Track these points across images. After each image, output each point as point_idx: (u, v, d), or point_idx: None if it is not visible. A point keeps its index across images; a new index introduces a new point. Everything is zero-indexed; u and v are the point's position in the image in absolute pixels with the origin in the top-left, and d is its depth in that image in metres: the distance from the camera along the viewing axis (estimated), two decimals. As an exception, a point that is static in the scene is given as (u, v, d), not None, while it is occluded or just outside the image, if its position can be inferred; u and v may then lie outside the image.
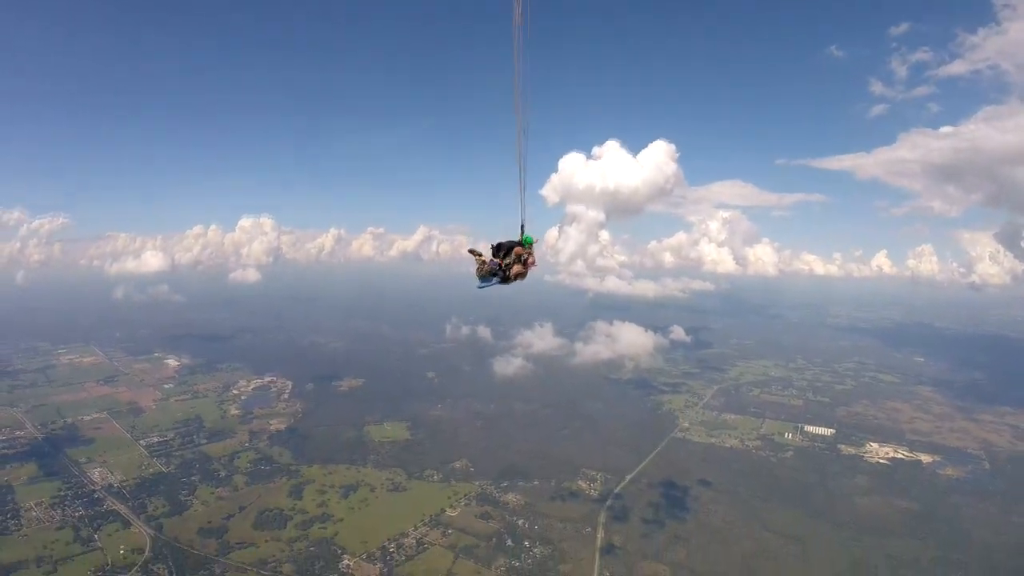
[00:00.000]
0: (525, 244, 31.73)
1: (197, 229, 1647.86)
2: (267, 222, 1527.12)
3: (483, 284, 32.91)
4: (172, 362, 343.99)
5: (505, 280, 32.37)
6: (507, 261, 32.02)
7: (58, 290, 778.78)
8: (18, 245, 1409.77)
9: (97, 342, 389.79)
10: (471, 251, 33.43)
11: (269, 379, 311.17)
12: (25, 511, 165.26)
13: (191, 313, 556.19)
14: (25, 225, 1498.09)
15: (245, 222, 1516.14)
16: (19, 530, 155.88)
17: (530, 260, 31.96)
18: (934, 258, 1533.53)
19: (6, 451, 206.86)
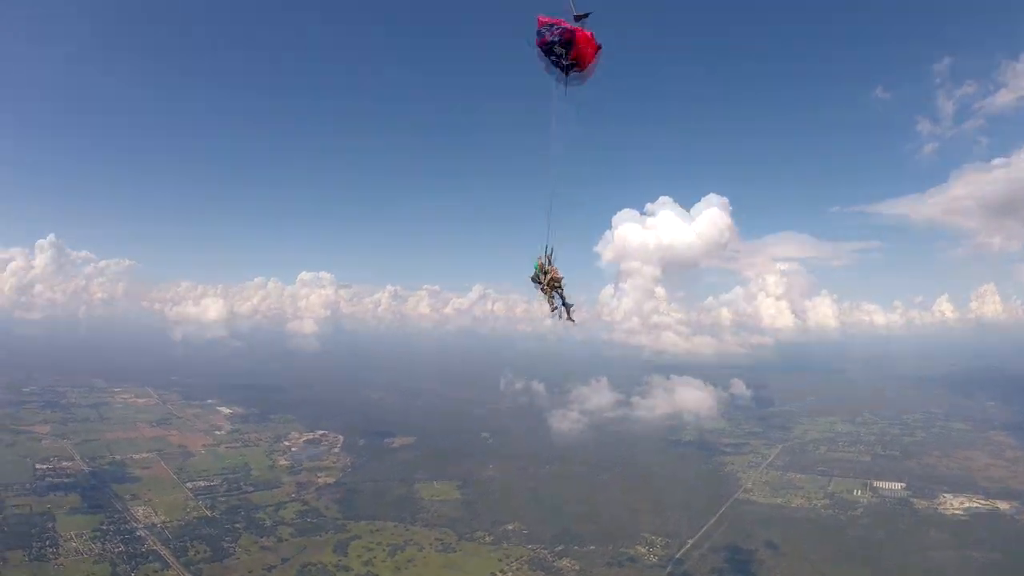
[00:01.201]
0: (536, 268, 40.20)
1: (257, 281, 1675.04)
2: (326, 276, 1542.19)
3: (556, 310, 40.59)
4: (225, 410, 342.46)
5: (554, 288, 40.06)
6: (545, 281, 39.88)
7: (118, 329, 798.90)
8: (83, 283, 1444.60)
9: (153, 384, 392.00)
10: (553, 308, 40.69)
11: (320, 433, 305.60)
12: (64, 541, 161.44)
13: (247, 362, 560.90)
14: (92, 264, 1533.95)
15: (305, 276, 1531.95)
16: (56, 559, 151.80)
17: (549, 269, 39.82)
18: (997, 297, 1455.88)
19: (52, 479, 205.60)
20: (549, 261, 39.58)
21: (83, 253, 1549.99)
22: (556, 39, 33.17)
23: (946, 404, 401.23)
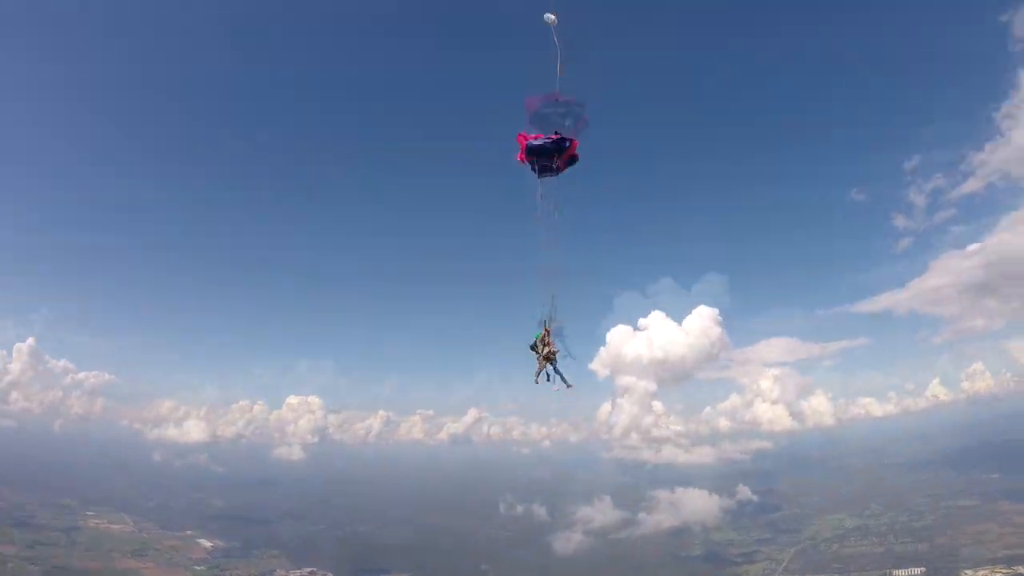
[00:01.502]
0: (536, 338, 46.16)
1: (243, 403, 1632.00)
2: (314, 401, 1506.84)
3: (550, 380, 46.12)
4: (205, 543, 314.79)
5: (549, 360, 45.67)
6: (542, 353, 45.60)
7: (94, 447, 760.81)
8: (60, 394, 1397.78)
9: (128, 509, 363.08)
10: (537, 381, 46.65)
11: (309, 571, 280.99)
12: None
13: (230, 489, 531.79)
14: (70, 376, 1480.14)
15: (292, 400, 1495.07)
16: None
17: (547, 341, 45.60)
18: (987, 374, 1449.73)
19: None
20: (548, 334, 44.80)
21: (62, 363, 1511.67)
22: (552, 145, 41.02)
23: (950, 483, 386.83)
